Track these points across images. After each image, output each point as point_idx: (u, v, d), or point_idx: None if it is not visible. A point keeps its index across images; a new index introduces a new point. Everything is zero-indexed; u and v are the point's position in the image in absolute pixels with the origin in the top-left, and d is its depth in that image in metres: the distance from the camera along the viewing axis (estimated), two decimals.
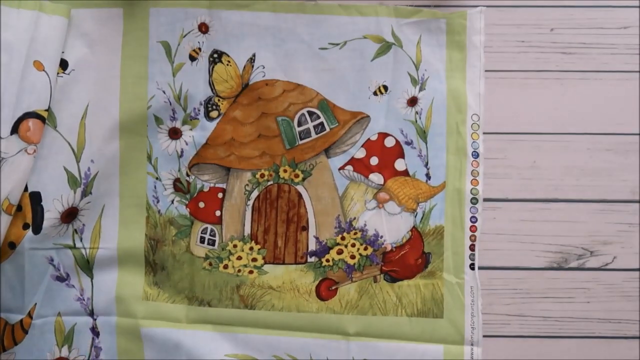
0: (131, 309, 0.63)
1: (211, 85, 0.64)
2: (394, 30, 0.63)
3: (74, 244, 0.63)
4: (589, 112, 0.65)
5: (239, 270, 0.63)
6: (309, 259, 0.64)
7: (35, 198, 0.61)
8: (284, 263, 0.64)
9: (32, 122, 0.58)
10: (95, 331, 0.63)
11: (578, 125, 0.65)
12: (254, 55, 0.64)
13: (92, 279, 0.63)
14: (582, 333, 0.63)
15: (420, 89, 0.64)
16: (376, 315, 0.63)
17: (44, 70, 0.59)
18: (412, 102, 0.64)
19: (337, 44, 0.63)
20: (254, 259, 0.63)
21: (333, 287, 0.63)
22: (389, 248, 0.64)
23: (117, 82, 0.63)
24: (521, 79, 0.65)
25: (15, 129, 0.58)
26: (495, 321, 0.63)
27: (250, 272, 0.63)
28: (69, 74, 0.61)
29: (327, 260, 0.63)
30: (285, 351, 0.63)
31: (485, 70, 0.64)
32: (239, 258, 0.63)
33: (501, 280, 0.64)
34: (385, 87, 0.64)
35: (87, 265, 0.63)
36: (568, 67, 0.65)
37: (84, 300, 0.63)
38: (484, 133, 0.64)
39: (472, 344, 0.62)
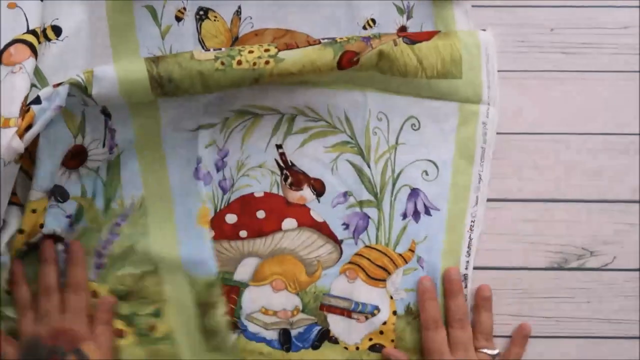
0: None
1: (201, 42, 0.63)
2: None
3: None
4: (589, 112, 0.65)
5: (254, 64, 0.58)
6: (323, 40, 0.61)
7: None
8: (298, 47, 0.60)
9: (14, 47, 0.59)
10: (106, 112, 0.60)
11: (578, 125, 0.65)
12: (239, 7, 0.63)
13: None
14: (582, 333, 0.63)
15: (408, 17, 0.64)
16: (395, 76, 0.62)
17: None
18: (402, 31, 0.64)
19: None
20: (267, 50, 0.59)
21: (355, 59, 0.60)
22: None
23: (109, 51, 0.62)
24: (521, 79, 0.65)
25: None
26: (495, 321, 0.63)
27: (267, 62, 0.58)
28: (62, 41, 0.61)
29: (341, 38, 0.61)
30: (305, 104, 0.63)
31: None
32: (251, 52, 0.59)
33: (501, 280, 0.64)
34: (374, 21, 0.64)
35: None
36: (568, 67, 0.65)
37: None
38: None
39: (488, 104, 0.63)
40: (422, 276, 0.62)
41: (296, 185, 0.64)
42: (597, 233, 0.64)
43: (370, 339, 0.62)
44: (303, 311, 0.63)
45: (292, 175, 0.64)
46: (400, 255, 0.63)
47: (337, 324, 0.62)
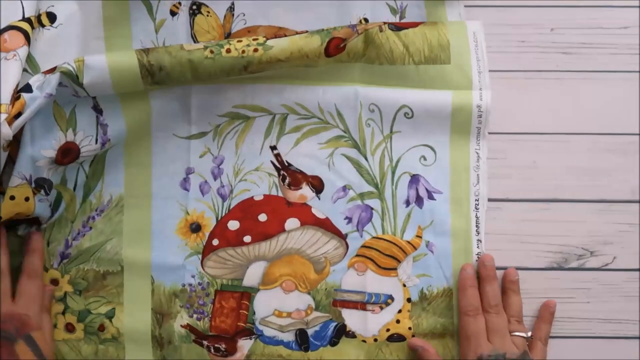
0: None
1: (193, 37, 0.64)
2: None
3: None
4: (589, 112, 0.65)
5: (243, 52, 0.59)
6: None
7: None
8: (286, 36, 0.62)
9: (8, 34, 0.58)
10: (97, 108, 0.60)
11: (578, 125, 0.65)
12: (232, 4, 0.64)
13: None
14: (582, 333, 0.63)
15: (401, 17, 0.64)
16: (383, 65, 0.63)
17: None
18: None
19: None
20: (255, 38, 0.60)
21: (342, 45, 0.61)
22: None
23: (102, 43, 0.63)
24: (521, 79, 0.65)
25: None
26: None
27: (255, 50, 0.59)
28: (56, 28, 0.61)
29: (329, 27, 0.62)
30: (295, 102, 0.63)
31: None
32: (240, 41, 0.60)
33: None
34: (366, 20, 0.64)
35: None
36: (568, 67, 0.65)
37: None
38: None
39: (480, 89, 0.63)
40: (464, 264, 0.62)
41: (295, 185, 0.64)
42: (597, 233, 0.64)
43: (388, 330, 0.62)
44: (317, 309, 0.63)
45: (290, 175, 0.64)
46: (408, 242, 0.63)
47: (352, 318, 0.63)
